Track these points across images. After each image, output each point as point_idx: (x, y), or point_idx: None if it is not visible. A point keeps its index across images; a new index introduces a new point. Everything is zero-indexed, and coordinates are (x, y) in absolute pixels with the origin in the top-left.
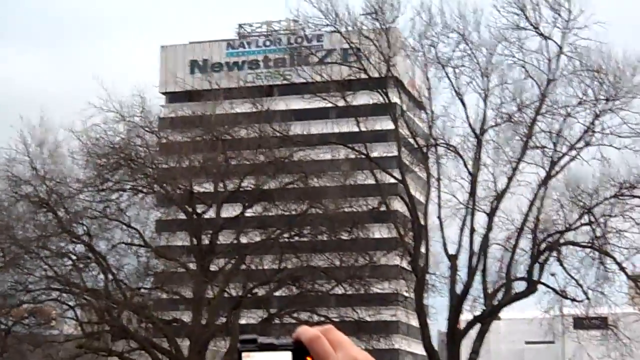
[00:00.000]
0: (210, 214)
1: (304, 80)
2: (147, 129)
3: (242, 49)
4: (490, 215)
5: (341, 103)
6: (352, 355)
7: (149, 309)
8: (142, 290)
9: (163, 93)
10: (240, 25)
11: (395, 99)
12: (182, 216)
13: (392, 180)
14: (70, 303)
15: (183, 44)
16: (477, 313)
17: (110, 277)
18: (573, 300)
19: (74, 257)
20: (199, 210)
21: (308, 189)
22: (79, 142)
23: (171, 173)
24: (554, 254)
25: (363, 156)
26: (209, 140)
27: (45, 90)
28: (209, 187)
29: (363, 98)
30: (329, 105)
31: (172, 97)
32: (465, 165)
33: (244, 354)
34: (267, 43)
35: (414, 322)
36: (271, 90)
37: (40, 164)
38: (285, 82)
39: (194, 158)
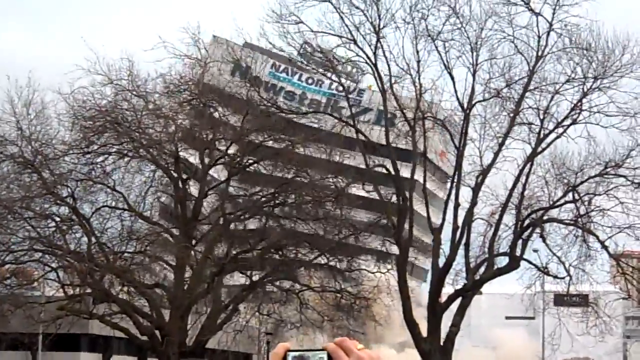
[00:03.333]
0: (196, 180)
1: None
2: (134, 92)
3: (285, 74)
4: (475, 189)
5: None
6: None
7: (132, 272)
8: (125, 254)
9: None
10: (305, 43)
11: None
12: (167, 181)
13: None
14: (53, 265)
15: (236, 43)
16: (459, 287)
17: (93, 239)
18: (555, 277)
19: (57, 219)
20: (184, 176)
21: (294, 157)
22: (65, 104)
23: (157, 138)
24: (537, 230)
25: (350, 127)
26: (196, 106)
27: (33, 52)
28: (194, 152)
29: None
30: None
31: None
32: (452, 139)
33: None
34: (310, 81)
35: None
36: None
37: (26, 124)
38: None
39: (181, 124)
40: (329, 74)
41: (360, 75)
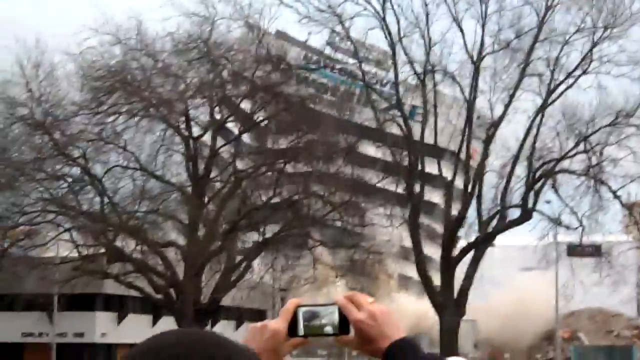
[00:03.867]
0: (207, 138)
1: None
2: (142, 52)
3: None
4: (486, 142)
5: (339, 28)
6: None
7: (145, 231)
8: (138, 214)
9: None
10: (333, 32)
11: (393, 23)
12: (177, 140)
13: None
14: (66, 225)
15: (268, 31)
16: (472, 240)
17: (105, 200)
18: (567, 227)
19: (69, 180)
20: (194, 135)
21: (304, 114)
22: (74, 64)
23: (167, 97)
24: (549, 181)
25: (360, 82)
26: (205, 64)
27: (40, 13)
28: (205, 111)
29: (361, 24)
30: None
31: None
32: (462, 92)
33: None
34: (342, 73)
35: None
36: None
37: (36, 86)
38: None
39: (190, 82)
40: (357, 64)
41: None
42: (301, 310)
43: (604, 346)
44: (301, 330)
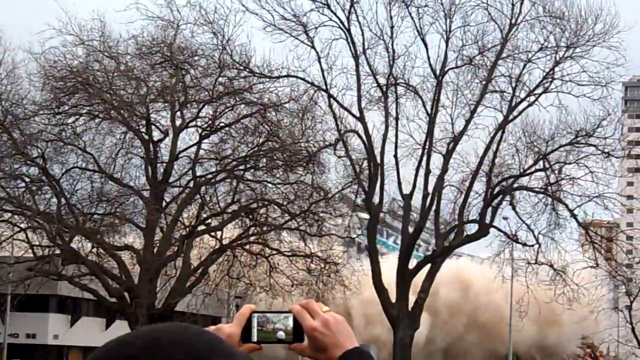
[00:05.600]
0: (167, 142)
1: None
2: (106, 53)
3: None
4: (446, 156)
5: (303, 37)
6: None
7: (101, 234)
8: (95, 216)
9: None
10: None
11: (357, 35)
12: (137, 143)
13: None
14: (22, 225)
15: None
16: (428, 253)
17: (63, 201)
18: (523, 244)
19: (27, 180)
20: (155, 138)
21: (265, 121)
22: (36, 63)
23: (128, 100)
24: (507, 198)
25: (323, 92)
26: (168, 68)
27: (2, 10)
28: (166, 115)
29: (325, 34)
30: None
31: None
32: (424, 106)
33: None
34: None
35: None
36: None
37: None
38: None
39: (153, 85)
40: None
41: None
42: (256, 316)
43: None
44: (255, 336)
